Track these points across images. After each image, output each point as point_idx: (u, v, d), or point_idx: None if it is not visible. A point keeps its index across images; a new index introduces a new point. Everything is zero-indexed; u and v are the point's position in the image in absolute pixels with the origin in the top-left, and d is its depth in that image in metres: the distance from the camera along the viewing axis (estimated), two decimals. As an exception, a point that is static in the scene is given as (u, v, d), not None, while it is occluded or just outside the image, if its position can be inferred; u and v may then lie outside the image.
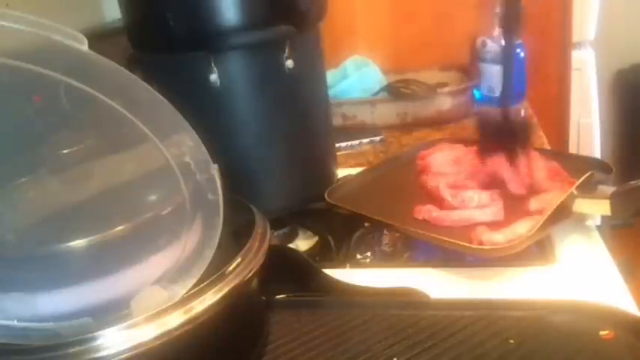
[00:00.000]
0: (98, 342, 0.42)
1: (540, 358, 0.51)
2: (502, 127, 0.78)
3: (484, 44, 1.26)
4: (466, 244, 0.66)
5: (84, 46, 0.47)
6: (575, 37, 1.47)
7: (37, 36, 0.45)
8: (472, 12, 1.35)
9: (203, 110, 0.70)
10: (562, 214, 0.68)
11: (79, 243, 0.51)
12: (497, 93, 1.27)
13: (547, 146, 1.07)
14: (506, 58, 0.82)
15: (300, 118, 0.80)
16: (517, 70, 1.26)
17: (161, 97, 0.51)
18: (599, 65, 1.53)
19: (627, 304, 0.58)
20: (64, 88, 0.48)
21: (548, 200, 0.71)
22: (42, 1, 0.86)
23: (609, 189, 0.68)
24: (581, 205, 0.69)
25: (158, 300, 0.47)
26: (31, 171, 0.53)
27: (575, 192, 0.69)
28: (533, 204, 0.71)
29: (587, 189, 0.70)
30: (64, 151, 0.54)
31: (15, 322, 0.44)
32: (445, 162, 0.87)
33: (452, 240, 0.67)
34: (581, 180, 0.70)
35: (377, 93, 1.27)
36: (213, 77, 0.72)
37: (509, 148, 0.76)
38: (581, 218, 0.73)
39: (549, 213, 0.67)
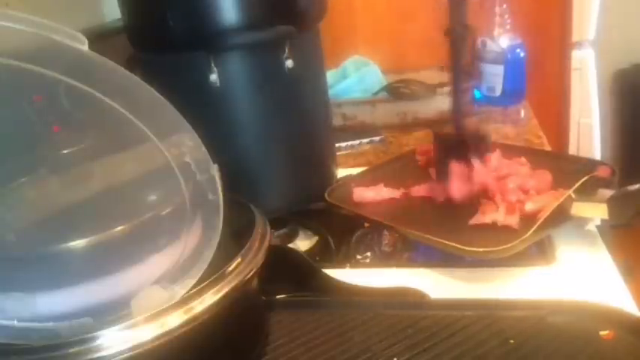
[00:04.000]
0: (98, 342, 0.42)
1: (540, 358, 0.51)
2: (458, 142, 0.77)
3: (484, 44, 1.26)
4: (464, 247, 0.65)
5: (84, 46, 0.47)
6: (575, 37, 1.47)
7: (37, 36, 0.45)
8: (472, 12, 1.34)
9: (203, 110, 0.70)
10: (560, 216, 0.68)
11: (79, 243, 0.50)
12: (497, 93, 1.27)
13: (547, 146, 1.07)
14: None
15: (300, 118, 0.80)
16: (517, 70, 1.26)
17: (161, 97, 0.51)
18: (599, 65, 1.53)
19: (627, 304, 0.58)
20: (64, 88, 0.48)
21: (544, 202, 0.70)
22: (42, 1, 0.86)
23: (608, 192, 0.68)
24: (579, 209, 0.69)
25: (158, 300, 0.47)
26: (31, 171, 0.53)
27: (572, 195, 0.69)
28: (530, 205, 0.71)
29: (588, 191, 0.70)
30: (64, 151, 0.54)
31: (15, 322, 0.44)
32: None
33: (450, 242, 0.66)
34: (577, 184, 0.70)
35: (377, 93, 1.27)
36: (213, 77, 0.72)
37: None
38: (580, 219, 0.73)
39: (545, 215, 0.67)
